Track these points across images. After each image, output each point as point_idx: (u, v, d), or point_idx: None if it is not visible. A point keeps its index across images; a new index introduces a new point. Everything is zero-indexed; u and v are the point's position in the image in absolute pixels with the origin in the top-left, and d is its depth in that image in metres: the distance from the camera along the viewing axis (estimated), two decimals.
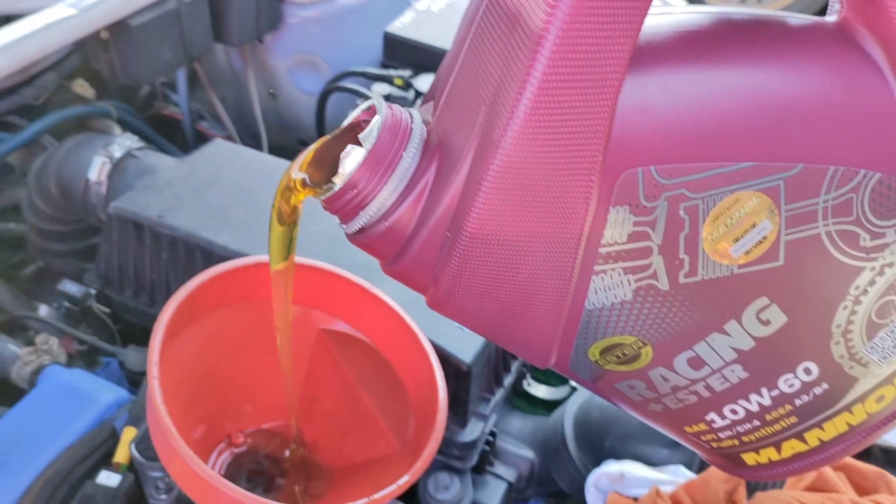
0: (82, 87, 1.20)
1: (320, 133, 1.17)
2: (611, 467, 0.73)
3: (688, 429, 0.45)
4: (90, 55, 0.98)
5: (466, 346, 0.73)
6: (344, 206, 0.39)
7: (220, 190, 0.88)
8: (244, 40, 1.12)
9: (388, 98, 1.05)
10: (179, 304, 0.57)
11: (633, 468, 0.72)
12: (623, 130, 0.35)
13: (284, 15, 1.18)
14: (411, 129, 0.39)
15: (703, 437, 0.45)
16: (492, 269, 0.37)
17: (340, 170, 0.38)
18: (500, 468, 0.83)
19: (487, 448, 0.79)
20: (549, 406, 0.89)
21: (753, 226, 0.37)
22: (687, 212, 0.37)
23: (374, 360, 0.65)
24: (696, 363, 0.41)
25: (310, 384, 0.68)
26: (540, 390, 0.90)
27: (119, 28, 0.92)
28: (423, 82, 1.07)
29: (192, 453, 0.49)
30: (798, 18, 0.40)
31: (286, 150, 1.37)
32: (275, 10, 1.16)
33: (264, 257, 0.63)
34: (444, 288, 0.38)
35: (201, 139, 1.37)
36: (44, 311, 0.98)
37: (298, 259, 0.63)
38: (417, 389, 0.62)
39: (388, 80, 1.08)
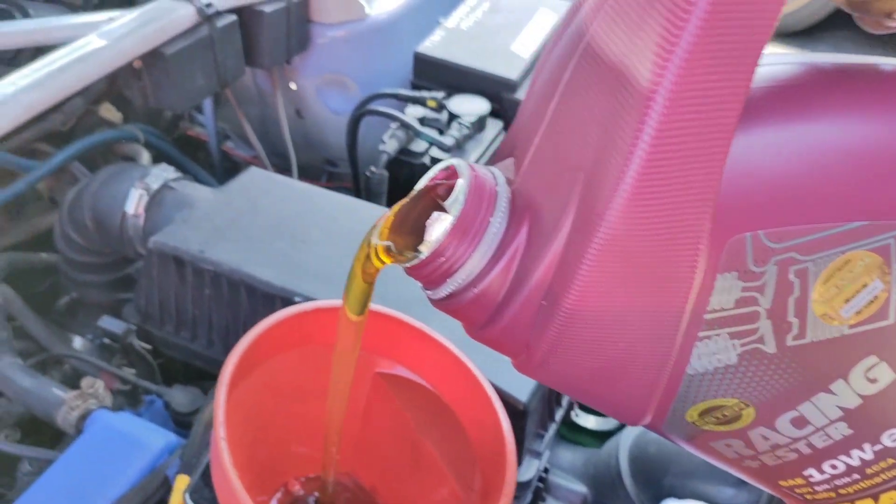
0: (109, 112, 1.19)
1: (352, 157, 1.15)
2: None
3: (783, 483, 0.43)
4: (122, 84, 0.96)
5: (522, 383, 0.71)
6: (431, 274, 0.38)
7: (259, 221, 0.86)
8: (275, 63, 1.11)
9: (422, 121, 1.04)
10: (241, 355, 0.55)
11: None
12: (730, 195, 0.34)
13: (313, 35, 1.16)
14: (496, 192, 0.38)
15: (796, 490, 0.44)
16: (590, 340, 0.36)
17: (427, 237, 0.37)
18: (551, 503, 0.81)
19: (540, 484, 0.77)
20: (599, 437, 0.87)
21: (864, 286, 0.36)
22: (797, 275, 0.35)
23: (434, 404, 0.63)
24: (800, 422, 0.39)
25: (367, 429, 0.66)
26: (589, 421, 0.88)
27: (153, 57, 0.91)
28: (457, 104, 1.05)
29: None
30: (891, 64, 0.38)
31: (313, 168, 1.36)
32: (304, 31, 1.14)
33: (324, 303, 0.61)
34: (538, 357, 0.37)
35: (227, 160, 1.36)
36: (78, 342, 0.97)
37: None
38: (482, 436, 0.60)
39: (420, 101, 1.06)
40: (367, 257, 0.42)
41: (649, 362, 0.36)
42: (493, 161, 0.43)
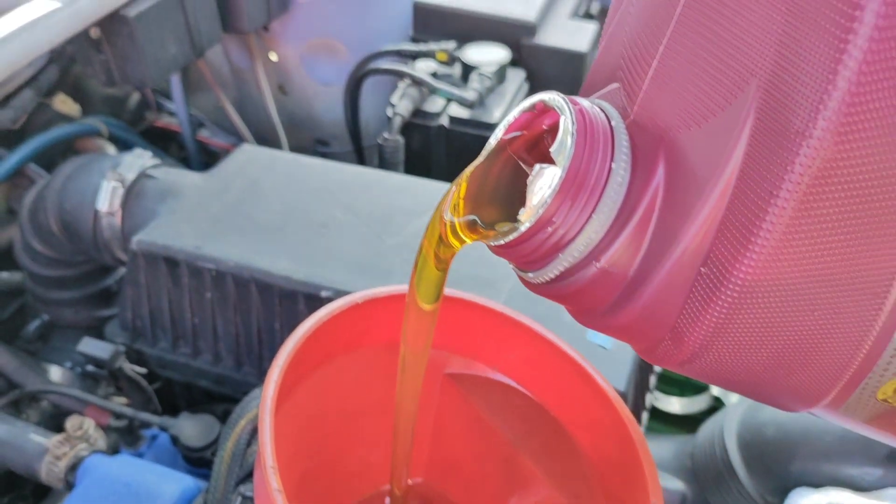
0: (65, 104, 1.04)
1: (353, 129, 1.00)
2: (813, 498, 0.58)
3: None
4: (80, 60, 0.80)
5: (616, 368, 0.58)
6: (536, 250, 0.29)
7: (264, 205, 0.71)
8: (255, 26, 0.95)
9: (434, 76, 0.89)
10: (286, 365, 0.41)
11: (843, 497, 0.57)
12: None
13: None
14: (612, 128, 0.29)
15: None
16: (774, 316, 0.27)
17: (529, 201, 0.28)
18: None
19: None
20: (686, 422, 0.74)
21: None
22: None
23: (527, 407, 0.50)
24: None
25: (440, 444, 0.52)
26: (673, 404, 0.75)
27: (114, 22, 0.75)
28: (473, 54, 0.91)
29: None
30: None
31: (302, 152, 1.20)
32: None
33: (381, 291, 0.47)
34: (694, 344, 0.28)
35: (204, 151, 1.20)
36: (55, 373, 0.81)
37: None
38: (597, 442, 0.47)
39: (429, 55, 0.92)
40: (441, 238, 0.33)
41: (850, 332, 0.28)
42: (585, 96, 0.34)
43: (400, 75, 0.88)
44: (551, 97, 0.30)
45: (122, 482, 0.55)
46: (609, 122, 0.29)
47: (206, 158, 1.21)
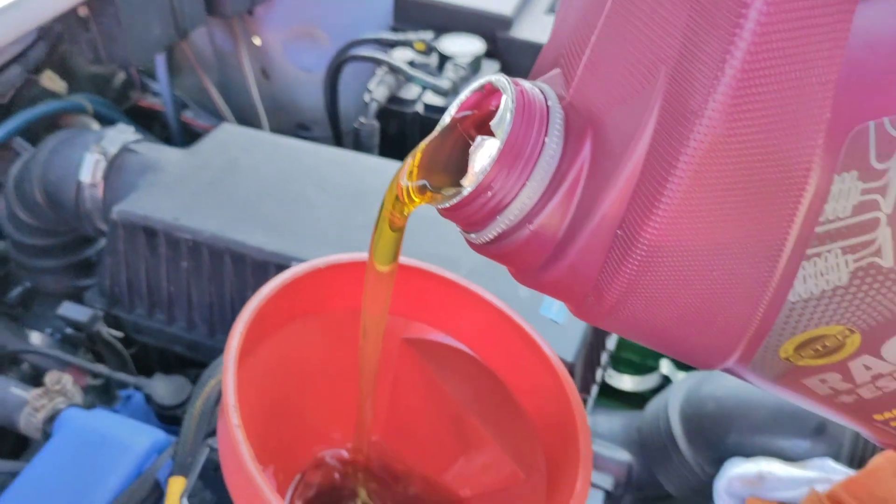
0: (51, 81, 1.06)
1: (332, 113, 1.04)
2: (744, 467, 0.62)
3: (878, 417, 0.39)
4: (67, 38, 0.83)
5: (566, 341, 0.62)
6: (477, 212, 0.32)
7: (242, 182, 0.75)
8: (238, 10, 0.98)
9: (411, 65, 0.93)
10: (248, 324, 0.45)
11: (772, 467, 0.61)
12: (851, 75, 0.28)
13: None
14: (549, 107, 0.33)
15: (892, 423, 0.40)
16: (678, 274, 0.31)
17: (471, 168, 0.32)
18: (594, 476, 0.72)
19: None
20: (635, 399, 0.79)
21: None
22: None
23: (478, 372, 0.54)
24: None
25: (397, 406, 0.56)
26: (625, 381, 0.79)
27: (101, 1, 0.78)
28: (449, 44, 0.94)
29: None
30: None
31: (284, 135, 1.24)
32: None
33: (341, 257, 0.51)
34: (612, 299, 0.32)
35: (187, 132, 1.23)
36: (37, 339, 0.84)
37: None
38: (541, 405, 0.51)
39: (407, 44, 0.95)
40: (397, 199, 0.38)
41: (746, 293, 0.32)
42: (531, 79, 0.37)
43: (378, 62, 0.91)
44: (497, 78, 0.33)
45: (97, 433, 0.59)
46: (546, 102, 0.33)
47: (188, 139, 1.24)
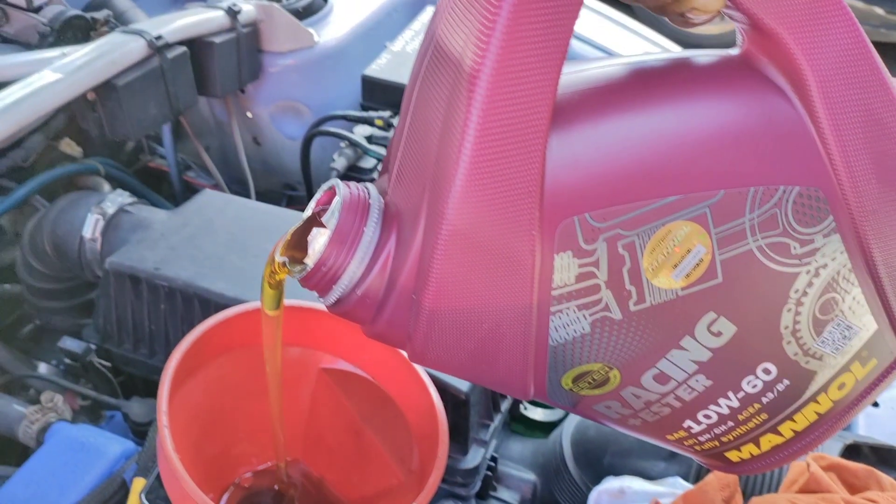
0: (69, 146, 1.22)
1: (306, 177, 1.19)
2: (610, 483, 0.74)
3: (670, 437, 0.47)
4: (78, 116, 1.00)
5: None
6: (319, 282, 0.42)
7: (213, 239, 0.90)
8: (227, 91, 1.15)
9: (370, 139, 1.08)
10: (184, 353, 0.59)
11: (632, 483, 0.73)
12: (555, 185, 0.38)
13: (265, 65, 1.21)
14: (369, 203, 0.42)
15: (685, 443, 0.48)
16: (456, 327, 0.39)
17: (310, 251, 0.41)
18: (503, 492, 0.84)
19: (490, 473, 0.80)
20: (547, 428, 0.91)
21: (688, 251, 0.40)
22: (625, 248, 0.39)
23: (376, 394, 0.67)
24: (662, 379, 0.43)
25: (313, 422, 0.69)
26: (537, 413, 0.92)
27: (105, 89, 0.95)
28: None
29: (205, 496, 0.51)
30: (706, 55, 0.43)
31: (272, 194, 1.40)
32: (255, 60, 1.19)
33: (257, 303, 0.65)
34: (418, 346, 0.41)
35: (189, 189, 1.39)
36: (44, 369, 0.99)
37: (298, 302, 0.66)
38: (419, 421, 0.64)
39: (369, 121, 1.11)
40: (273, 270, 0.48)
41: (515, 340, 0.40)
42: (380, 176, 0.47)
43: (340, 137, 1.07)
44: (335, 182, 0.44)
45: (79, 442, 0.73)
46: (367, 200, 0.43)
47: (190, 196, 1.40)
